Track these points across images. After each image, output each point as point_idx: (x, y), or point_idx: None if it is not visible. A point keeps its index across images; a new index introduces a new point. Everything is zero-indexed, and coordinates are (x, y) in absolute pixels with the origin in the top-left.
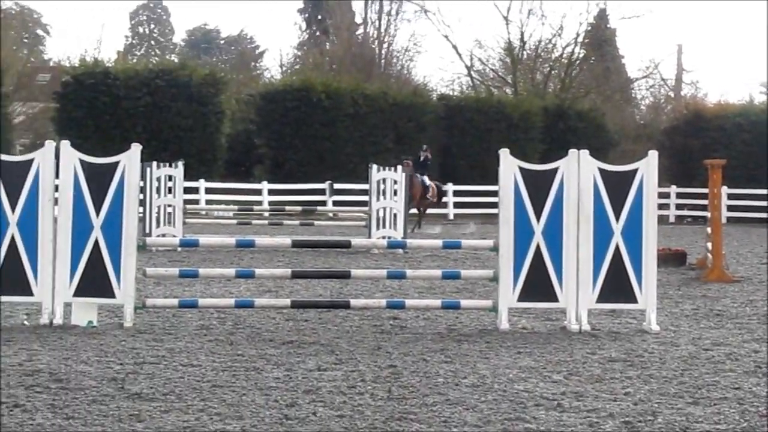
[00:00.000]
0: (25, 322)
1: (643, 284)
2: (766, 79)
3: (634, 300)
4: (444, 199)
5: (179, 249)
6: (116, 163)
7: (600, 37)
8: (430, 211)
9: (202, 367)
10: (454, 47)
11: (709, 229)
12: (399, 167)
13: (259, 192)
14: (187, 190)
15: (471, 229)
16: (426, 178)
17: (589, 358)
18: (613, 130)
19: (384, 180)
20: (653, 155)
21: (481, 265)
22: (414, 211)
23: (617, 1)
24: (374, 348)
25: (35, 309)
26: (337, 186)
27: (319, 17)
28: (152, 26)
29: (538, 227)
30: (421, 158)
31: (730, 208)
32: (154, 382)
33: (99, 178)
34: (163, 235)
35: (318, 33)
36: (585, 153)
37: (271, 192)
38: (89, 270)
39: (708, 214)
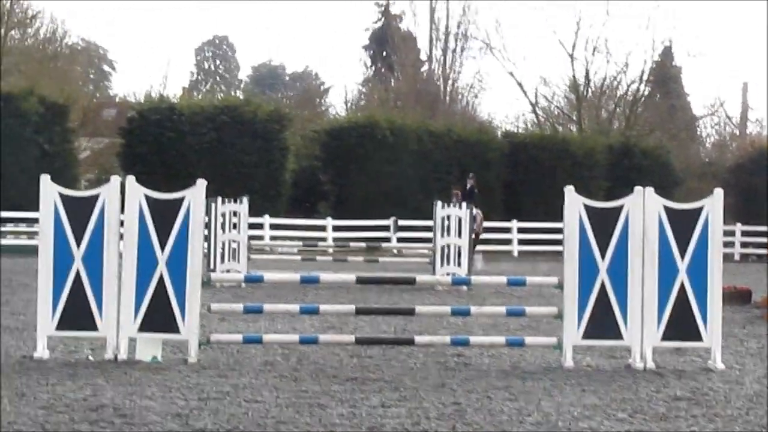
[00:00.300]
0: (90, 357)
1: (708, 322)
2: None
3: (699, 338)
4: (508, 236)
5: (243, 285)
6: (181, 199)
7: (665, 75)
8: (492, 248)
9: (266, 404)
10: (519, 84)
11: None
12: (464, 204)
13: (323, 228)
14: (251, 226)
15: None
16: (473, 208)
17: (654, 396)
18: (678, 168)
19: (449, 216)
20: (719, 193)
21: (545, 302)
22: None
23: (683, 39)
24: (438, 385)
25: (100, 344)
26: (401, 222)
27: (384, 54)
28: (217, 62)
29: (602, 264)
30: (468, 186)
31: None
32: (218, 418)
33: (164, 214)
34: (228, 271)
35: (383, 69)
36: (650, 191)
37: (336, 228)
38: (154, 305)
39: None
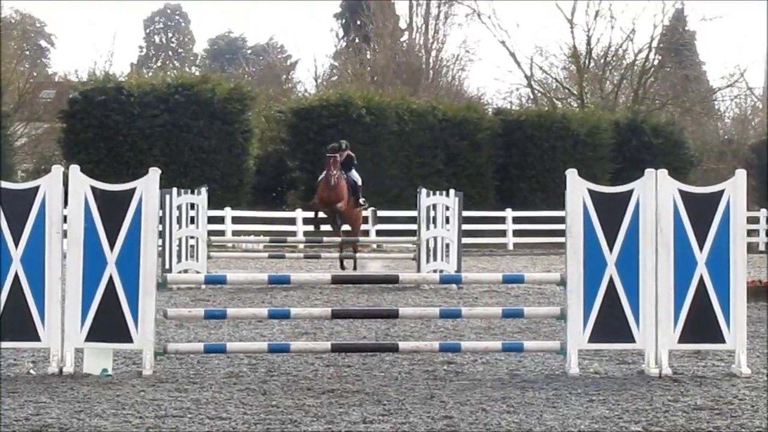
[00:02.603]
0: (32, 371)
1: (731, 321)
2: None
3: (721, 339)
4: (502, 227)
5: (203, 286)
6: (132, 190)
7: (677, 42)
8: (484, 240)
9: (232, 420)
10: (512, 55)
11: None
12: (452, 191)
13: (292, 221)
14: (211, 220)
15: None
16: (354, 174)
17: (671, 406)
18: (693, 147)
19: (434, 206)
20: (741, 175)
21: (546, 302)
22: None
23: (696, 1)
24: (426, 397)
25: (42, 356)
26: (380, 213)
27: (359, 22)
28: (170, 35)
29: (611, 258)
30: (344, 158)
31: None
32: None
33: (113, 208)
34: (186, 271)
35: (357, 40)
36: (663, 173)
37: (307, 221)
38: (103, 311)
39: None
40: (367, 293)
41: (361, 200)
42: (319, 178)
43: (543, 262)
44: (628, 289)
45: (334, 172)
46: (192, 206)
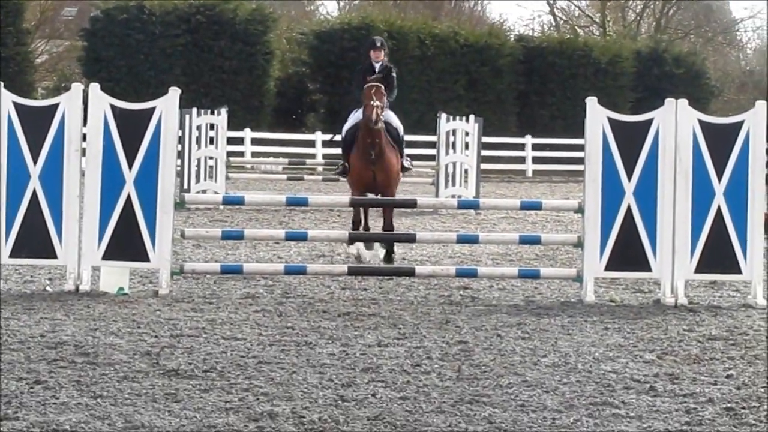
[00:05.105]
0: (48, 288)
1: (747, 252)
2: None
3: (737, 270)
4: (521, 153)
5: (221, 207)
6: (152, 110)
7: None
8: (503, 167)
9: (247, 341)
10: None
11: None
12: (472, 117)
13: (312, 144)
14: (230, 141)
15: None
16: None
17: (686, 335)
18: (714, 77)
19: (454, 131)
20: (761, 106)
21: (563, 229)
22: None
23: None
24: (442, 321)
25: (59, 273)
26: None
27: None
28: None
29: (629, 186)
30: (378, 68)
31: None
32: (193, 357)
33: (132, 126)
34: (204, 191)
35: None
36: (683, 103)
37: (326, 143)
38: (120, 230)
39: None
40: None
41: (406, 162)
42: (347, 129)
43: (561, 190)
44: (646, 218)
45: (377, 123)
46: (212, 127)
